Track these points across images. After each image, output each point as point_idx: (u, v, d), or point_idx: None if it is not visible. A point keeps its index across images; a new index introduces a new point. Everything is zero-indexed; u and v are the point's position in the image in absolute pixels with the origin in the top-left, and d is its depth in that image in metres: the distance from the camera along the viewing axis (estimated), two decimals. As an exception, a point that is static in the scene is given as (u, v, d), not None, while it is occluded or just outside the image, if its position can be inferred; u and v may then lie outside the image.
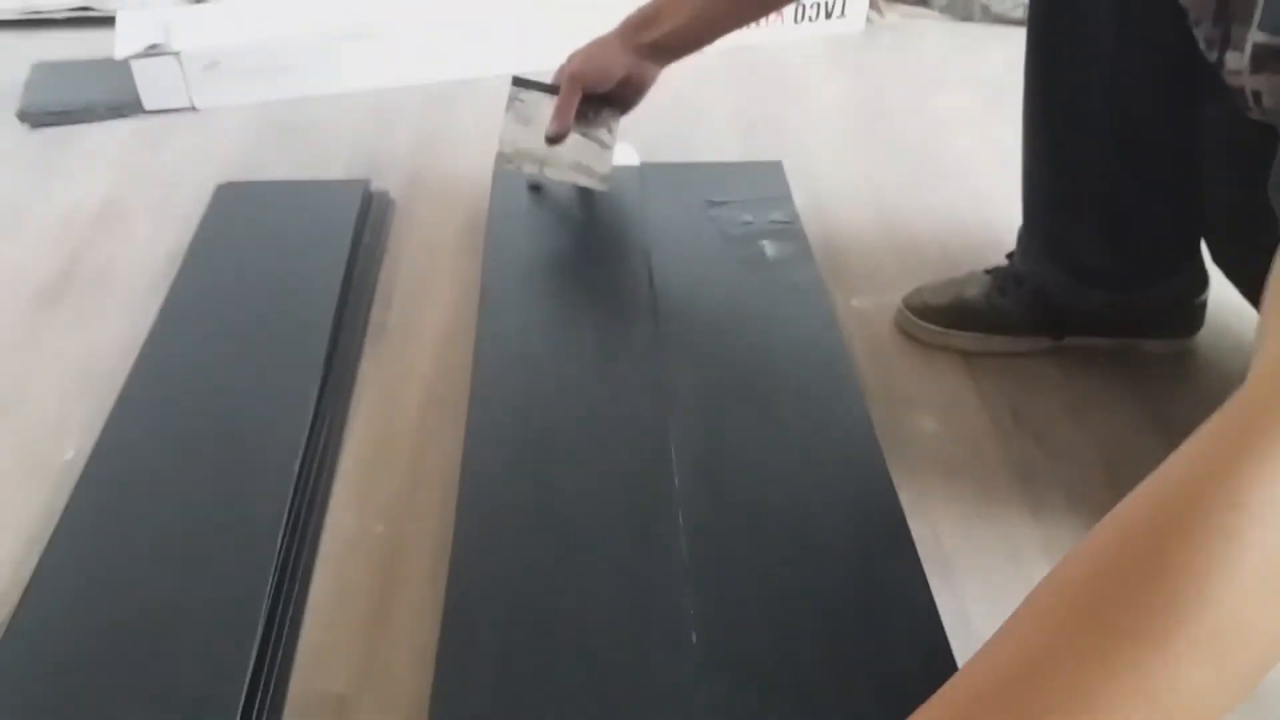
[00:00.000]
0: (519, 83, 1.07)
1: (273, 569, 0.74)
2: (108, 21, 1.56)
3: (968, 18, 1.70)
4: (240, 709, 0.65)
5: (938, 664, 0.67)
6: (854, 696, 0.66)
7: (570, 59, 1.04)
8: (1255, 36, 0.63)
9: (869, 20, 1.67)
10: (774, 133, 1.36)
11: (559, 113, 1.03)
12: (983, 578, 0.78)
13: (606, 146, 1.06)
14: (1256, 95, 0.66)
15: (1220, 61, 0.70)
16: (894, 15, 1.71)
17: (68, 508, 0.79)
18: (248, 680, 0.67)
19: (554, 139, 1.04)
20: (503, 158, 1.07)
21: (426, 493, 0.84)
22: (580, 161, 1.06)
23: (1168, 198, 0.88)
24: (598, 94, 1.04)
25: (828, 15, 1.63)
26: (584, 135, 1.06)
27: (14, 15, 1.62)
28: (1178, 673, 0.38)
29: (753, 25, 1.60)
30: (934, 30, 1.69)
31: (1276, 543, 0.39)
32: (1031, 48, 0.89)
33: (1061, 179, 0.92)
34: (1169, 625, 0.38)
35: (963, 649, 0.69)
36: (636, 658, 0.68)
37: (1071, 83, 0.87)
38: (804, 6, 1.62)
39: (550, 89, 1.05)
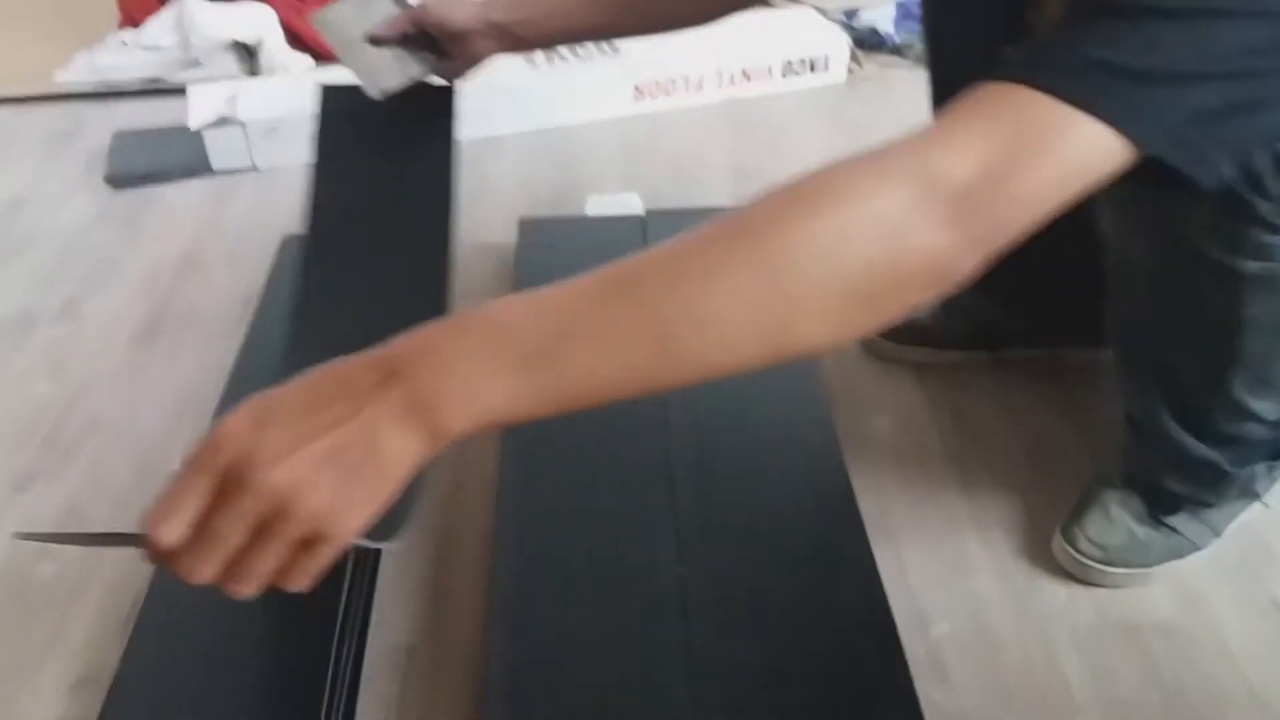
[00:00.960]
0: None
1: (345, 554, 0.92)
2: (174, 92, 1.78)
3: (937, 67, 1.88)
4: (335, 656, 0.82)
5: (874, 607, 0.85)
6: (805, 626, 0.85)
7: None
8: None
9: (849, 72, 1.86)
10: (763, 179, 1.53)
11: (390, 23, 1.06)
12: (920, 543, 0.96)
13: (402, 75, 1.08)
14: None
15: None
16: (872, 66, 1.90)
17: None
18: (339, 633, 0.84)
19: (372, 39, 1.07)
20: (321, 17, 1.10)
21: (470, 490, 1.03)
22: (374, 67, 1.08)
23: (1066, 250, 1.04)
24: (436, 41, 1.05)
25: (812, 69, 1.83)
26: (394, 55, 1.08)
27: (92, 88, 1.83)
28: (742, 283, 0.53)
29: (743, 80, 1.80)
30: (909, 80, 1.86)
31: (850, 217, 0.54)
32: None
33: None
34: (747, 241, 0.54)
35: (898, 599, 0.88)
36: (636, 594, 0.87)
37: None
38: (791, 61, 1.81)
39: (404, 7, 1.09)
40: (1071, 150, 0.56)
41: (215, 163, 1.58)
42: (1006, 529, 0.98)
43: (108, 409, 1.15)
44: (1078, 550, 0.92)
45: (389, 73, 1.07)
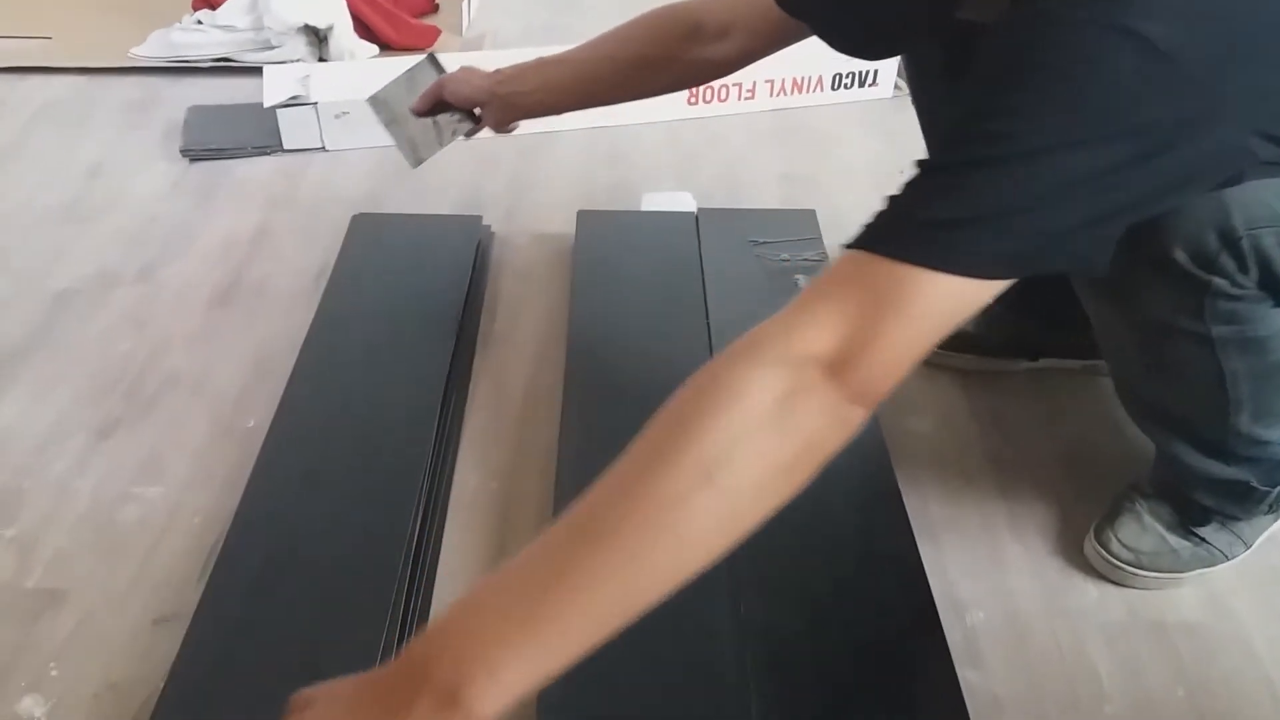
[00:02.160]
0: (432, 60, 1.22)
1: (415, 512, 0.97)
2: (245, 71, 1.84)
3: (984, 87, 1.93)
4: (400, 618, 0.87)
5: (916, 598, 0.90)
6: (853, 606, 0.90)
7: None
8: None
9: (897, 87, 1.91)
10: (809, 184, 1.60)
11: (423, 96, 1.18)
12: (958, 538, 1.01)
13: (438, 144, 1.21)
14: None
15: None
16: (919, 83, 1.94)
17: (257, 463, 1.03)
18: (404, 595, 0.89)
19: (416, 112, 1.17)
20: (374, 99, 1.20)
21: (530, 460, 1.08)
22: (415, 138, 1.19)
23: None
24: (468, 109, 1.18)
25: (861, 84, 1.87)
26: (434, 124, 1.19)
27: (165, 63, 1.90)
28: (686, 488, 0.60)
29: (793, 90, 1.85)
30: (954, 98, 1.91)
31: (749, 404, 0.61)
32: None
33: None
34: (676, 453, 0.60)
35: (937, 588, 0.92)
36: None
37: None
38: (841, 75, 1.86)
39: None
40: (918, 302, 0.63)
41: (287, 141, 1.64)
42: (1041, 528, 1.02)
43: (185, 366, 1.21)
44: (1109, 552, 0.97)
45: (426, 144, 1.20)
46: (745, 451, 0.61)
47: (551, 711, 0.80)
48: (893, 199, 0.67)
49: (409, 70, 1.20)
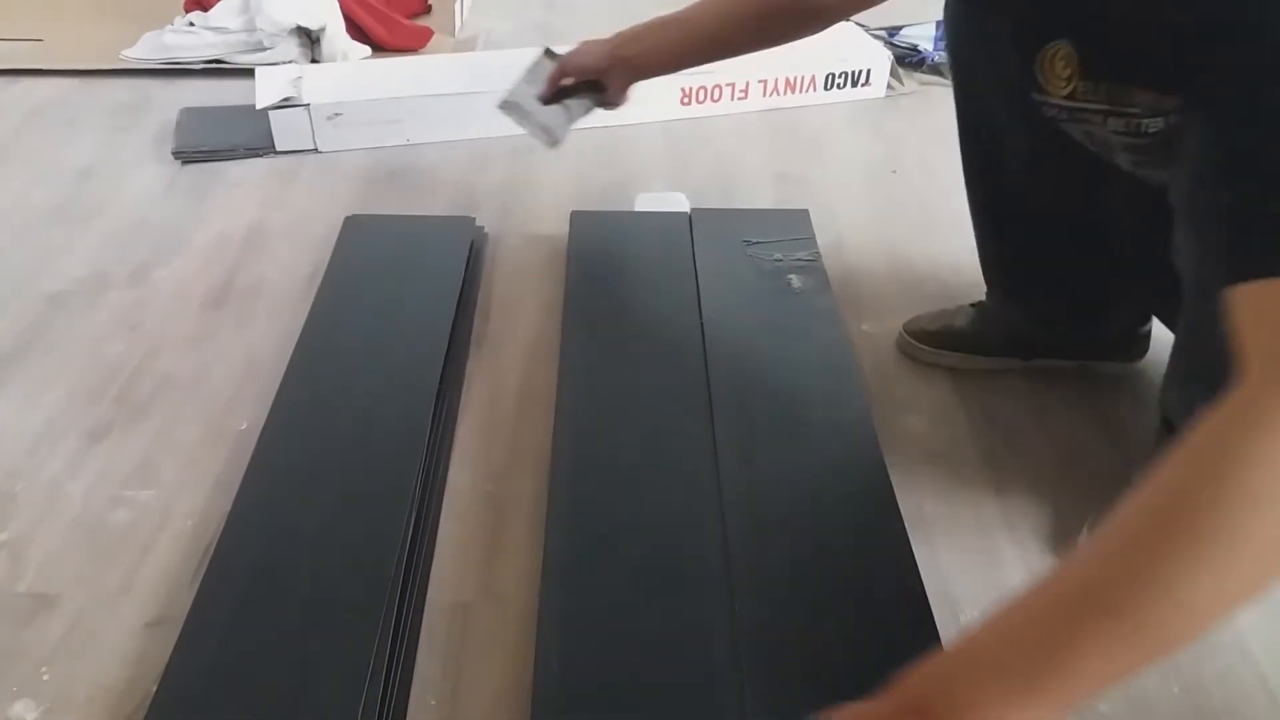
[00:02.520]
0: (548, 52, 1.30)
1: (408, 514, 0.96)
2: (236, 73, 1.84)
3: (977, 87, 1.93)
4: (393, 620, 0.87)
5: (911, 598, 0.90)
6: (846, 605, 0.89)
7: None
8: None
9: (890, 88, 1.91)
10: (803, 184, 1.60)
11: (548, 81, 1.27)
12: (953, 538, 1.00)
13: (568, 123, 1.29)
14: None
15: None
16: (912, 83, 1.95)
17: (250, 465, 1.02)
18: (397, 598, 0.89)
19: (543, 100, 1.28)
20: (504, 104, 1.29)
21: (524, 461, 1.08)
22: (548, 124, 1.29)
23: (1091, 262, 1.09)
24: (588, 83, 1.26)
25: (854, 84, 1.88)
26: (563, 107, 1.28)
27: (157, 65, 1.89)
28: (1199, 567, 0.56)
29: (786, 90, 1.86)
30: (946, 98, 1.90)
31: (1262, 475, 0.56)
32: (964, 156, 1.12)
33: (1003, 254, 1.16)
34: (1184, 531, 0.56)
35: (930, 586, 0.92)
36: (683, 559, 0.93)
37: (1003, 189, 1.09)
38: (834, 75, 1.86)
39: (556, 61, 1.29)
40: None
41: (279, 143, 1.64)
42: (1035, 527, 1.02)
43: (178, 369, 1.20)
44: (1105, 550, 0.96)
45: (559, 125, 1.29)
46: (1264, 524, 0.56)
47: (546, 710, 0.80)
48: (1253, 216, 0.65)
49: (528, 69, 1.29)
